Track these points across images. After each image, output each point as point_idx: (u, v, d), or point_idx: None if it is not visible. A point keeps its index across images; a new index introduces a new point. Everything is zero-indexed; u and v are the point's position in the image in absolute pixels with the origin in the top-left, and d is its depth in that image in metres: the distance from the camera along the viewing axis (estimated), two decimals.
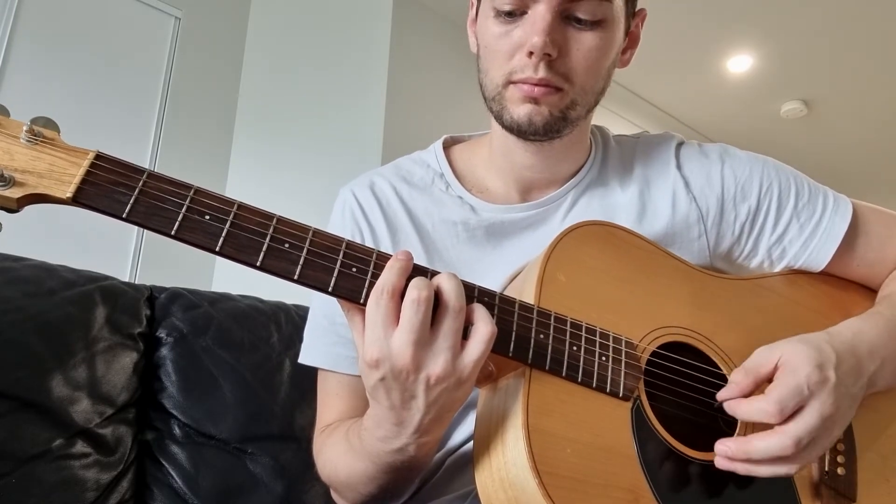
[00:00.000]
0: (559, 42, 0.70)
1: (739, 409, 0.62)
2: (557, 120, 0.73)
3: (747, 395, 0.62)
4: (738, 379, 0.63)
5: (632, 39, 0.81)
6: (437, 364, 0.52)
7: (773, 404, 0.59)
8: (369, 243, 0.81)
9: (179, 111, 2.52)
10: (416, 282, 0.53)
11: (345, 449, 0.70)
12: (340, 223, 0.84)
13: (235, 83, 2.70)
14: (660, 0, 3.23)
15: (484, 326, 0.54)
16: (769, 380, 0.62)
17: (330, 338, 0.80)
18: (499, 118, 0.75)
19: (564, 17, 0.70)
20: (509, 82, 0.72)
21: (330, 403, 0.81)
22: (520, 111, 0.72)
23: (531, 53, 0.69)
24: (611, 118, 3.98)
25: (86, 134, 2.47)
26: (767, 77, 3.88)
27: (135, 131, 2.42)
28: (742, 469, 0.60)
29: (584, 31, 0.70)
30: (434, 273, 0.56)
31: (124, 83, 2.42)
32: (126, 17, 2.47)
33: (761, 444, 0.59)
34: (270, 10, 2.80)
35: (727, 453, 0.60)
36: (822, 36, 3.46)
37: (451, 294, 0.54)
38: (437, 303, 0.54)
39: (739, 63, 3.79)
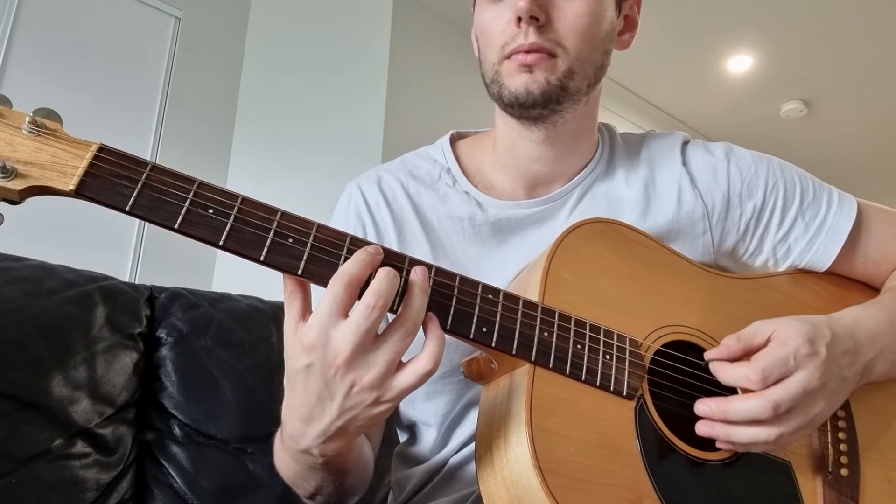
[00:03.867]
0: (546, 7, 0.71)
1: (723, 371, 0.63)
2: (556, 89, 0.72)
3: (734, 360, 0.64)
4: (729, 343, 0.64)
5: (629, 23, 0.82)
6: (368, 373, 0.51)
7: (755, 371, 0.60)
8: (372, 239, 0.80)
9: (179, 111, 2.52)
10: (380, 286, 0.51)
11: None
12: (343, 217, 0.84)
13: (235, 83, 2.69)
14: (660, 0, 3.23)
15: (426, 361, 0.52)
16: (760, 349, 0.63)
17: None
18: (499, 99, 0.75)
19: None
20: (504, 58, 0.73)
21: None
22: (516, 82, 0.73)
23: (519, 20, 0.70)
24: (611, 118, 3.97)
25: (85, 134, 2.44)
26: (767, 77, 3.88)
27: (134, 131, 2.42)
28: (722, 433, 0.61)
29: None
30: (410, 268, 0.55)
31: (124, 83, 2.41)
32: (126, 17, 2.46)
33: (740, 404, 0.60)
34: (270, 11, 2.80)
35: (706, 412, 0.61)
36: (821, 36, 3.45)
37: (412, 312, 0.52)
38: (398, 306, 0.52)
39: (739, 63, 3.79)
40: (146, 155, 2.42)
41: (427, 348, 0.53)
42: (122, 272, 2.27)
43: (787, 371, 0.61)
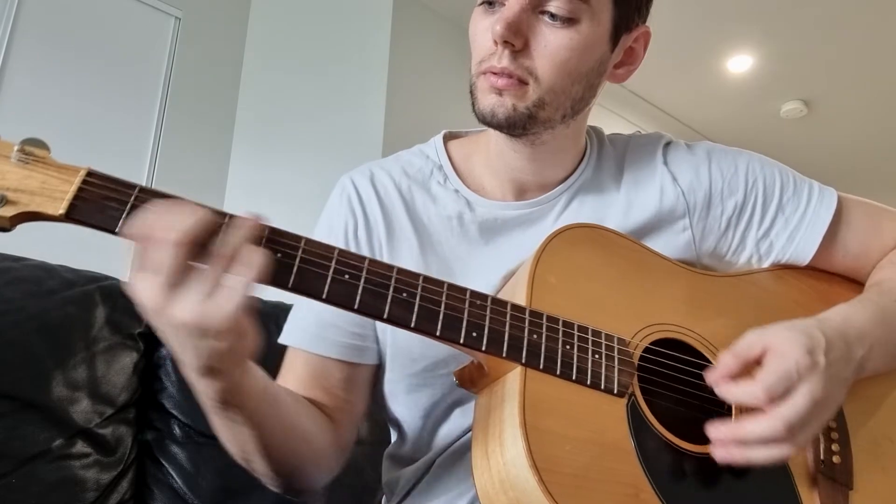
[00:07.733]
0: (525, 34, 0.69)
1: (728, 391, 0.62)
2: (523, 116, 0.71)
3: (735, 377, 0.63)
4: (726, 361, 0.63)
5: (628, 56, 0.80)
6: (181, 308, 0.49)
7: (761, 388, 0.59)
8: (362, 232, 0.81)
9: (179, 111, 2.52)
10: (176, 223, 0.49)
11: None
12: (336, 210, 0.84)
13: (235, 83, 2.70)
14: (660, 1, 3.23)
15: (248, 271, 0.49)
16: (757, 362, 0.62)
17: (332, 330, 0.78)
18: (473, 109, 0.75)
19: (539, 11, 0.70)
20: (480, 73, 0.72)
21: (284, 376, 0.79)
22: (485, 102, 0.72)
23: (496, 42, 0.69)
24: (611, 118, 3.98)
25: (86, 134, 2.48)
26: (767, 77, 3.88)
27: (135, 131, 2.42)
28: (739, 456, 0.60)
29: (556, 28, 0.69)
30: (234, 217, 0.53)
31: (124, 83, 2.42)
32: (126, 17, 2.47)
33: (753, 427, 0.60)
34: (270, 11, 2.80)
35: (720, 437, 0.61)
36: (821, 36, 3.45)
37: (222, 242, 0.50)
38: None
39: (739, 63, 3.78)
40: (146, 156, 2.42)
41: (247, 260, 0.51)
42: (123, 272, 2.27)
43: (790, 385, 0.60)
